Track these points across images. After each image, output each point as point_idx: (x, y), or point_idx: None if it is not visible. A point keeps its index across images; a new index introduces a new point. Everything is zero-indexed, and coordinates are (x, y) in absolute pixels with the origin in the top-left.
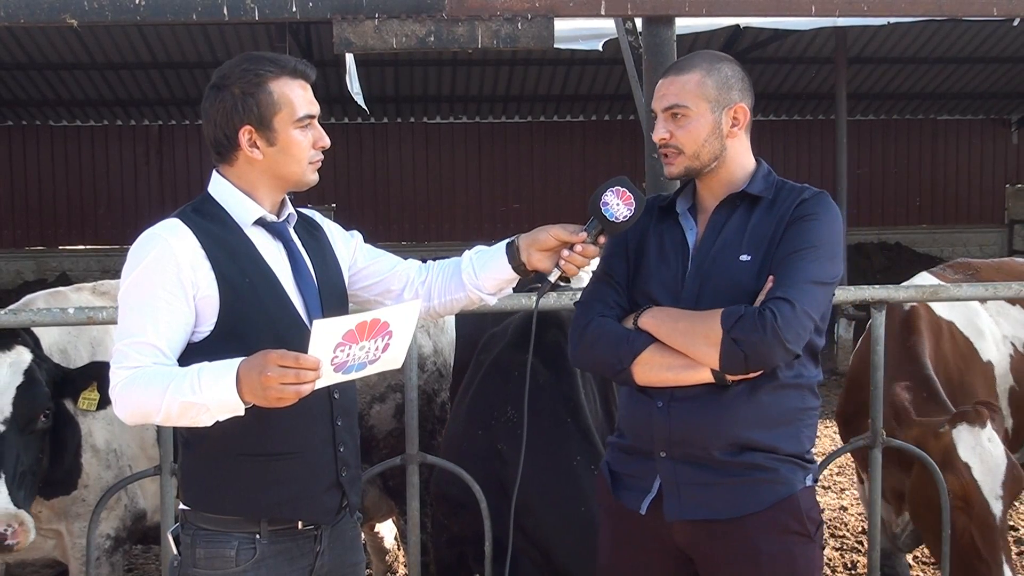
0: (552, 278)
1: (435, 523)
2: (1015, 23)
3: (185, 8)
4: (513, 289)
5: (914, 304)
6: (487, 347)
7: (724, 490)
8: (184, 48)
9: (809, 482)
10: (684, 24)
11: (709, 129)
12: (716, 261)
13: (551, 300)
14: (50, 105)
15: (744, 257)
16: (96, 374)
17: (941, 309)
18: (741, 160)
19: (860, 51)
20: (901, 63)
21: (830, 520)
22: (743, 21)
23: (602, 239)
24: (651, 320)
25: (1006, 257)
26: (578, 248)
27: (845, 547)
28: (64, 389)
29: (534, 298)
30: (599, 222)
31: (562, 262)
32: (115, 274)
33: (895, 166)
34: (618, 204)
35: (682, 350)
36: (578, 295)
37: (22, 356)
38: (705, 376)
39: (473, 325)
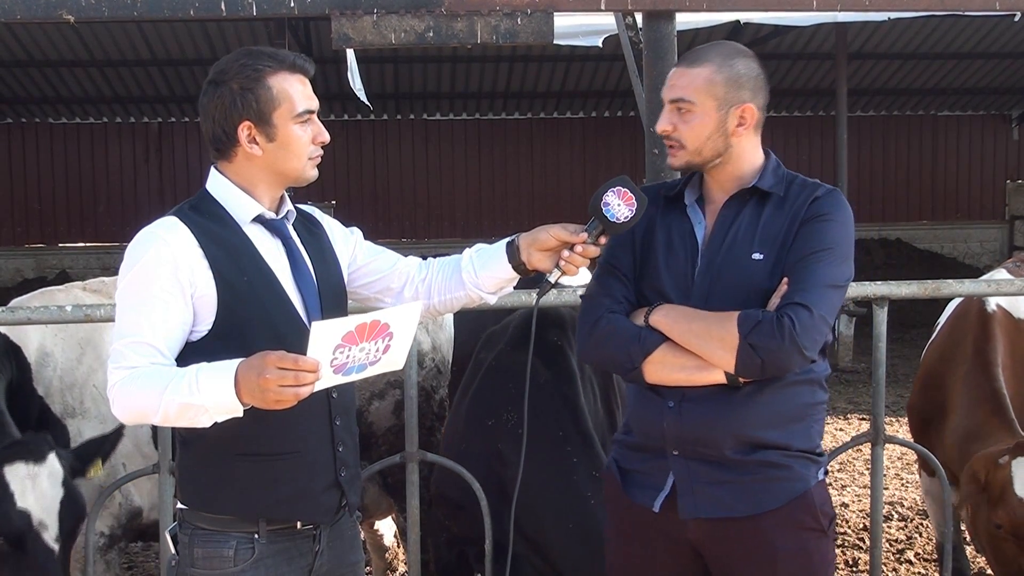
0: (552, 278)
1: (435, 523)
2: (1016, 18)
3: (182, 4)
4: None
5: (996, 308)
6: (487, 345)
7: (739, 488)
8: (183, 45)
9: (820, 476)
10: (684, 20)
11: (713, 127)
12: (727, 259)
13: (551, 299)
14: (49, 103)
15: (756, 256)
16: (96, 451)
17: (1020, 309)
18: (749, 156)
19: (860, 47)
20: (901, 59)
21: None
22: (743, 16)
23: (603, 239)
24: (663, 319)
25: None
26: (579, 248)
27: (846, 544)
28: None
29: (534, 297)
30: (600, 222)
31: (562, 262)
32: (114, 271)
33: (895, 162)
34: (619, 204)
35: (696, 352)
36: (579, 292)
37: (55, 466)
38: (718, 377)
39: (474, 321)
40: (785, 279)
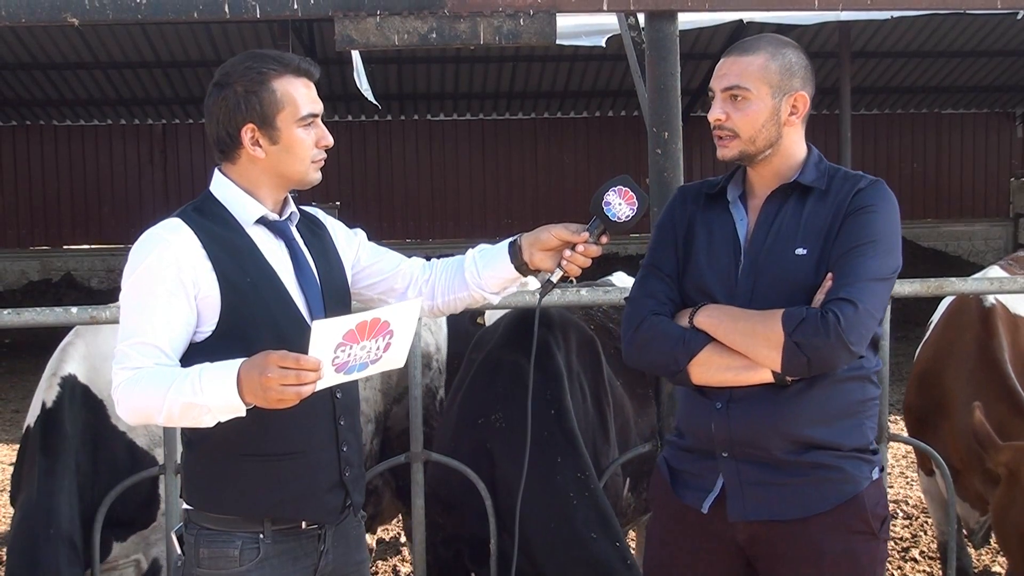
0: (554, 278)
1: (430, 522)
2: (1018, 16)
3: (186, 6)
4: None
5: (994, 302)
6: (479, 345)
7: (789, 490)
8: (187, 47)
9: (876, 475)
10: (687, 19)
11: (768, 114)
12: (770, 255)
13: (553, 299)
14: (54, 105)
15: (800, 251)
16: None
17: (1018, 305)
18: (794, 149)
19: (864, 45)
20: (905, 57)
21: None
22: (746, 16)
23: (604, 239)
24: (708, 319)
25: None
26: (580, 248)
27: None
28: None
29: (536, 296)
30: (601, 222)
31: (564, 262)
32: (119, 273)
33: (899, 160)
34: (620, 204)
35: (742, 351)
36: (582, 291)
37: None
38: (765, 376)
39: (461, 320)
40: (830, 274)
